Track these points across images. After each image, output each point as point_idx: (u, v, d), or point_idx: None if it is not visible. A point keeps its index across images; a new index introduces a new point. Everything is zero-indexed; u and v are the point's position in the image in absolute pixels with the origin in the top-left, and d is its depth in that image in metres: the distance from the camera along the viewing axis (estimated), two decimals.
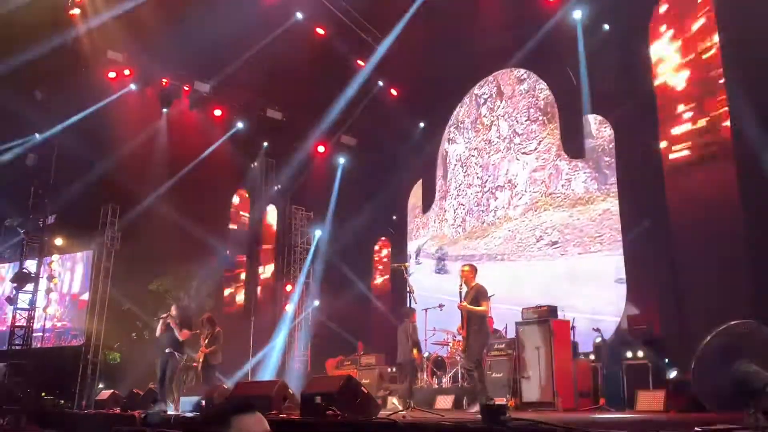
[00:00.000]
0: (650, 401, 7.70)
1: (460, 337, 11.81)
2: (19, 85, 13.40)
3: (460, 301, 8.22)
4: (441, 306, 12.20)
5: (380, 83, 16.30)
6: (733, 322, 3.87)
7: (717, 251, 9.12)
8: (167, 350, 10.21)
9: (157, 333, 10.64)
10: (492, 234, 14.59)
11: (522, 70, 14.47)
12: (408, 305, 9.15)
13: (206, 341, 10.97)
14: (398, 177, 16.93)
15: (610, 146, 12.38)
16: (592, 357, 9.71)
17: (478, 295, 8.21)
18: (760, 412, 3.44)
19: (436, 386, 11.43)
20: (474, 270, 8.58)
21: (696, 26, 10.56)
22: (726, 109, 9.70)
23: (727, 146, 9.65)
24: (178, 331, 10.21)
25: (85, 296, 15.62)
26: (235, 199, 18.50)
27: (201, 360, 10.98)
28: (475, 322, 8.12)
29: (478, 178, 15.24)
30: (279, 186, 18.46)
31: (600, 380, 8.94)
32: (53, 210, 14.56)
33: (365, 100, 16.27)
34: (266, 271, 18.55)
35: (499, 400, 8.42)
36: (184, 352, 10.51)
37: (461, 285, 8.35)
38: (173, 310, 10.62)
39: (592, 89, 12.45)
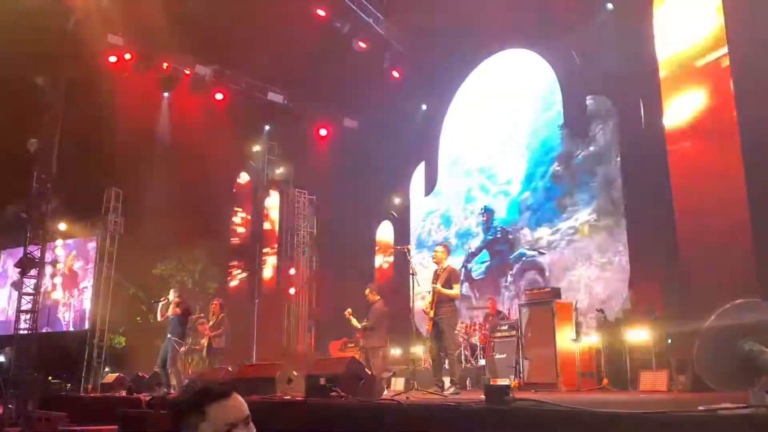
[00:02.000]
0: (653, 381, 7.73)
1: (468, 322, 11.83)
2: (20, 70, 13.35)
3: (433, 283, 8.22)
4: None
5: (383, 63, 16.17)
6: (737, 301, 3.86)
7: (720, 229, 9.09)
8: (168, 335, 10.39)
9: (158, 318, 10.80)
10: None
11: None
12: (411, 288, 9.16)
13: (211, 325, 11.11)
14: (400, 159, 16.89)
15: (613, 126, 12.32)
16: (595, 338, 9.72)
17: (450, 278, 8.22)
18: (765, 390, 3.44)
19: (437, 369, 11.47)
20: (448, 251, 8.68)
21: (700, 4, 10.44)
22: (731, 88, 9.61)
23: (731, 125, 9.58)
24: (172, 310, 10.39)
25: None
26: (238, 183, 18.51)
27: (205, 344, 11.12)
28: (445, 305, 8.12)
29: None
30: (281, 169, 18.44)
31: (603, 361, 8.97)
32: (56, 195, 14.55)
33: (367, 83, 16.18)
34: (269, 254, 18.58)
35: (503, 381, 8.46)
36: (185, 337, 10.63)
37: (438, 268, 8.39)
38: (172, 294, 10.75)
39: (596, 69, 12.36)
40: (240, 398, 1.96)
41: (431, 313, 8.13)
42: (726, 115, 9.71)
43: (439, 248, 8.61)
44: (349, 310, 10.44)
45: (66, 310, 16.36)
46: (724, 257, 8.90)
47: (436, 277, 8.29)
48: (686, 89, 10.46)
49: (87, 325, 15.52)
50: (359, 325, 10.20)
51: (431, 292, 8.21)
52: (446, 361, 8.26)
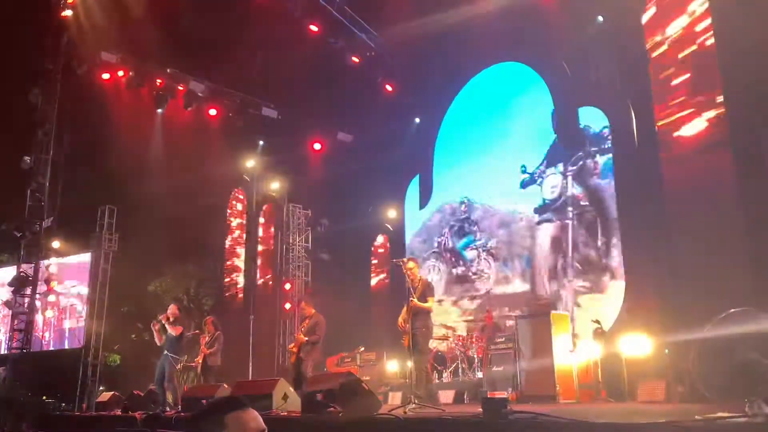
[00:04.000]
0: (651, 392, 7.70)
1: (451, 333, 11.79)
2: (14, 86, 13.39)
3: (410, 297, 8.12)
4: (440, 301, 12.20)
5: (376, 77, 16.24)
6: (732, 311, 3.86)
7: (715, 239, 9.12)
8: (164, 352, 10.33)
9: (158, 342, 10.67)
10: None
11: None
12: (408, 301, 9.12)
13: (206, 343, 11.05)
14: (395, 173, 16.90)
15: (607, 137, 12.38)
16: (592, 349, 9.70)
17: (425, 291, 8.21)
18: (761, 400, 3.43)
19: (437, 381, 11.43)
20: (418, 264, 8.70)
21: (689, 14, 10.53)
22: (721, 96, 9.68)
23: (723, 132, 9.63)
24: (170, 328, 10.29)
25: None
26: (232, 198, 18.49)
27: (201, 361, 11.06)
28: (422, 318, 8.12)
29: None
30: (276, 184, 18.42)
31: (601, 372, 8.95)
32: (50, 213, 14.52)
33: (360, 97, 16.24)
34: (265, 269, 18.52)
35: (501, 394, 8.41)
36: (182, 354, 10.55)
37: (411, 281, 8.29)
38: (171, 309, 10.68)
39: (588, 80, 12.45)
40: (256, 413, 2.03)
41: (407, 327, 8.08)
42: (718, 123, 9.77)
43: (410, 263, 8.56)
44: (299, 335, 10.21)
45: (46, 329, 16.27)
46: (719, 267, 8.91)
47: (411, 290, 8.24)
48: (677, 98, 10.53)
49: (66, 345, 15.44)
50: (305, 339, 9.96)
51: (406, 306, 8.17)
52: (415, 376, 8.08)
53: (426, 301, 8.14)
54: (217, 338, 11.04)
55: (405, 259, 9.11)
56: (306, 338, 9.84)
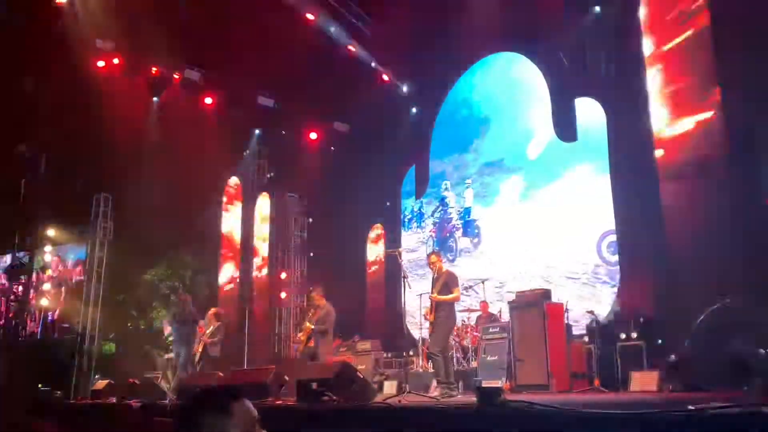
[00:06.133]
0: (644, 382, 7.75)
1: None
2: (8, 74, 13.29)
3: (432, 289, 8.26)
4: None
5: (372, 66, 16.17)
6: (726, 301, 3.88)
7: (709, 230, 9.15)
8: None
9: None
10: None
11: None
12: (402, 291, 9.17)
13: (209, 333, 11.11)
14: (391, 162, 16.89)
15: (602, 129, 12.37)
16: (586, 339, 9.75)
17: (449, 282, 8.26)
18: (755, 389, 3.46)
19: (432, 371, 11.46)
20: (440, 257, 8.76)
21: (687, 7, 10.51)
22: (718, 89, 9.67)
23: (719, 123, 9.64)
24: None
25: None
26: (228, 187, 18.45)
27: (200, 350, 11.10)
28: (444, 309, 8.18)
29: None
30: (272, 174, 18.38)
31: (594, 362, 8.99)
32: (46, 200, 14.47)
33: (357, 86, 16.18)
34: (261, 259, 18.51)
35: (495, 383, 8.47)
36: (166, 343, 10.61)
37: (434, 274, 8.42)
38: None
39: (584, 72, 12.43)
40: (250, 403, 1.99)
41: (431, 318, 8.20)
42: (714, 114, 9.77)
43: (433, 257, 8.65)
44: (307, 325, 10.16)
45: (41, 317, 16.28)
46: (713, 257, 8.94)
47: (434, 283, 8.33)
48: (674, 88, 10.52)
49: (61, 333, 15.45)
50: (312, 326, 9.92)
51: (430, 301, 8.28)
52: (431, 362, 8.28)
53: (451, 292, 8.19)
54: (219, 329, 11.14)
55: (400, 250, 9.16)
56: (313, 327, 9.82)
